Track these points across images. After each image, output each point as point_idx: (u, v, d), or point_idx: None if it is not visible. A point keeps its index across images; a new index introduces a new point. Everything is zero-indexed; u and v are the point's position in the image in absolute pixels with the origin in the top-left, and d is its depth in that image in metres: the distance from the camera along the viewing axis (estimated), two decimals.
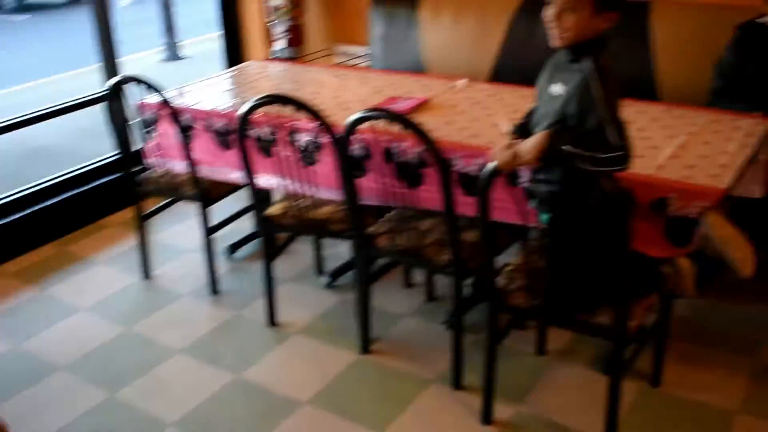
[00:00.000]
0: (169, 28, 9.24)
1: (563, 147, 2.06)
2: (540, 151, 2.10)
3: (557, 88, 2.19)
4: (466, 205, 2.57)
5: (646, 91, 3.49)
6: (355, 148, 2.75)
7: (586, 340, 3.00)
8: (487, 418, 2.59)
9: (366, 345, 2.97)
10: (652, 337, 2.69)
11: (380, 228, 2.80)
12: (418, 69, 4.10)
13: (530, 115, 2.38)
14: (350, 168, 2.64)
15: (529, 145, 2.13)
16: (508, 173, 2.34)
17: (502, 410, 2.63)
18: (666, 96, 3.48)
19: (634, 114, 2.83)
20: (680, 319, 3.00)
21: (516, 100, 3.09)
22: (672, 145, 2.59)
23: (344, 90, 3.36)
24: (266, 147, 2.99)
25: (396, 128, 2.50)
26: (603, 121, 2.03)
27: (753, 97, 3.12)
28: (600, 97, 2.04)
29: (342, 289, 3.43)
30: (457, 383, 2.76)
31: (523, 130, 2.36)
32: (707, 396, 2.64)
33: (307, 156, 2.91)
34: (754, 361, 2.86)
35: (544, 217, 2.33)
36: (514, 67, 3.87)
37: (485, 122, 2.87)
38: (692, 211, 2.28)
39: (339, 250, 3.64)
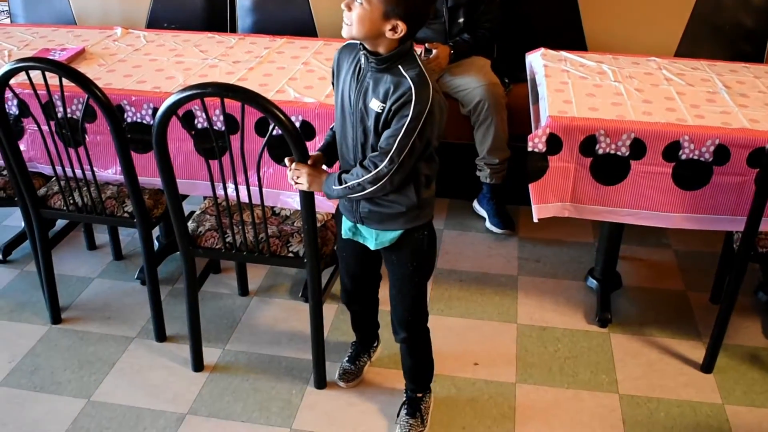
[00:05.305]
0: None
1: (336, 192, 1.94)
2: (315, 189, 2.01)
3: (376, 104, 1.84)
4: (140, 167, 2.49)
5: None
6: (10, 105, 2.53)
7: (284, 274, 3.08)
8: (197, 364, 2.57)
9: (56, 314, 2.78)
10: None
11: (52, 188, 2.62)
12: (69, 22, 3.88)
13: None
14: (8, 128, 2.42)
15: (308, 182, 1.99)
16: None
17: (212, 353, 2.64)
18: None
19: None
20: None
21: (177, 45, 3.03)
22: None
23: None
24: None
25: (55, 80, 2.31)
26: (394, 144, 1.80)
27: None
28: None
29: (19, 262, 3.17)
30: (160, 336, 2.70)
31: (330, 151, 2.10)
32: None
33: None
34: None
35: None
36: (170, 12, 3.85)
37: (149, 68, 2.79)
38: None
39: (8, 223, 3.40)
